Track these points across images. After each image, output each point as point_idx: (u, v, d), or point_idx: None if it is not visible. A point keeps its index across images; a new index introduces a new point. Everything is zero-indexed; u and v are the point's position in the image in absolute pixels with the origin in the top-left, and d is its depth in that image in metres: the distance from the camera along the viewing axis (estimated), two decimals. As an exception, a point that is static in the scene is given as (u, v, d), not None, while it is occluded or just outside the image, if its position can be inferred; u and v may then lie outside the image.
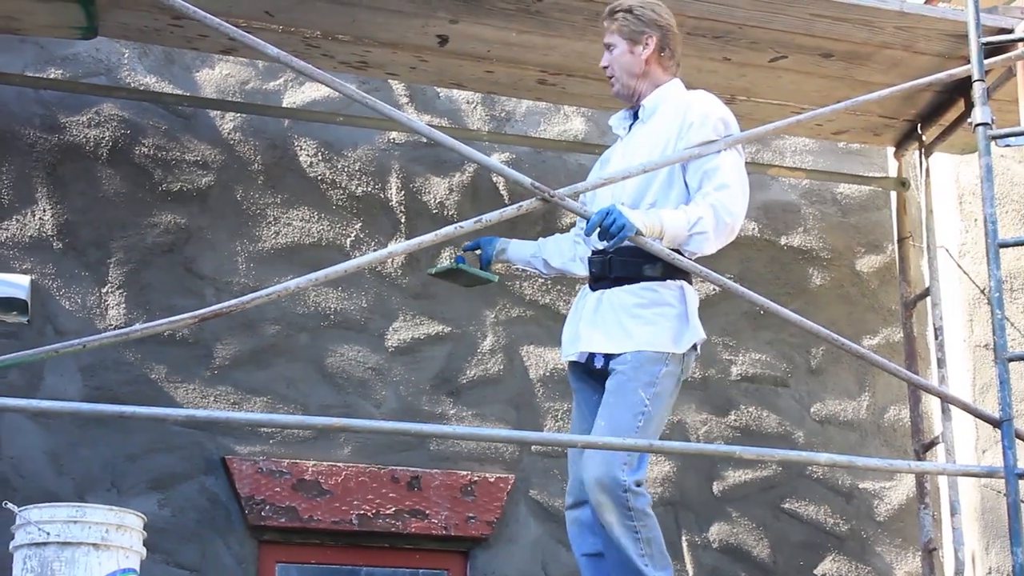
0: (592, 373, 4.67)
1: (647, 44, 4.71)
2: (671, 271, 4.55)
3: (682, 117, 4.63)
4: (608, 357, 4.58)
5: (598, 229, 4.42)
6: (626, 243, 4.46)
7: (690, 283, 4.62)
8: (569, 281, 6.20)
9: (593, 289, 4.69)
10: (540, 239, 5.03)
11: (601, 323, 4.61)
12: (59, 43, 5.85)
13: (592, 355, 4.62)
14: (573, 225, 5.01)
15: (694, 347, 4.62)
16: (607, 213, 4.40)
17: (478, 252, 4.99)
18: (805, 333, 4.72)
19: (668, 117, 4.67)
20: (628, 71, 4.74)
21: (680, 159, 4.56)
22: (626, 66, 4.73)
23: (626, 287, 4.58)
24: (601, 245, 4.54)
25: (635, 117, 4.81)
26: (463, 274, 4.95)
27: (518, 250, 5.02)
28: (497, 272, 5.11)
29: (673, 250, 4.51)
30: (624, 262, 4.57)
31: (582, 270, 4.90)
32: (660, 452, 5.94)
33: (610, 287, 4.61)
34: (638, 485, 4.50)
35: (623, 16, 4.73)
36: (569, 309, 6.08)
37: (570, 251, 4.95)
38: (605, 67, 4.79)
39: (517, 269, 6.12)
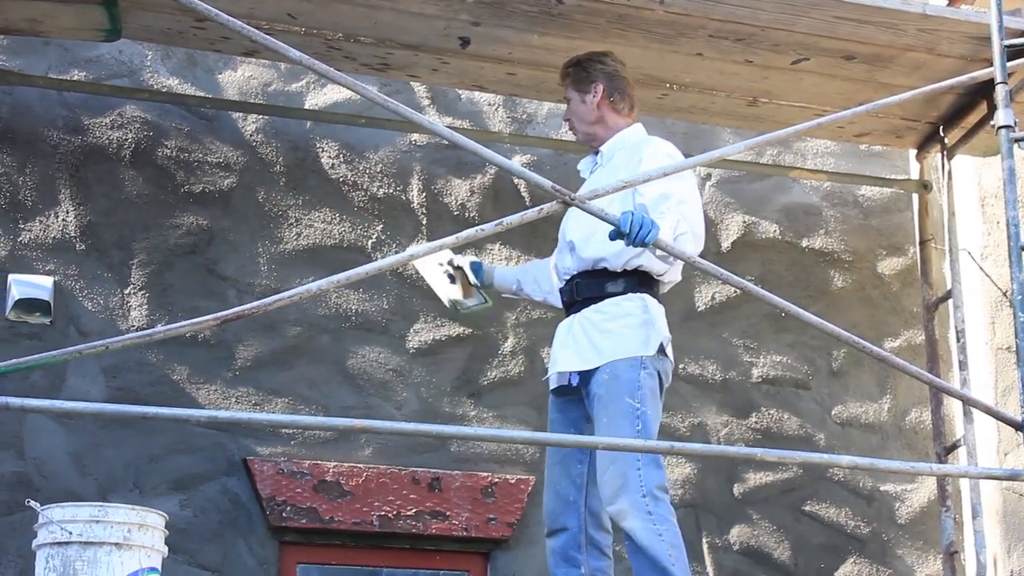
0: (571, 400, 4.85)
1: (595, 92, 5.01)
2: (633, 286, 4.79)
3: (633, 158, 4.85)
4: (582, 375, 4.77)
5: (633, 231, 4.50)
6: (597, 265, 4.79)
7: (653, 296, 4.83)
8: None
9: (567, 317, 4.92)
10: (521, 267, 5.33)
11: (573, 343, 4.82)
12: (82, 45, 5.87)
13: (569, 375, 4.82)
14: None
15: (665, 353, 4.79)
16: (632, 214, 4.49)
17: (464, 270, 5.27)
18: (826, 335, 4.72)
19: (624, 160, 4.88)
20: (583, 119, 5.03)
21: (670, 170, 4.62)
22: (581, 115, 5.04)
23: (593, 306, 4.81)
24: (617, 249, 4.69)
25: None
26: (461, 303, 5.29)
27: (503, 278, 5.30)
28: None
29: (633, 271, 4.78)
30: (589, 284, 4.84)
31: (559, 302, 5.10)
32: (681, 454, 5.96)
33: (580, 309, 4.84)
34: (659, 489, 4.60)
35: (573, 70, 5.08)
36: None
37: (548, 284, 5.15)
38: (567, 119, 5.11)
39: None
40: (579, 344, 4.78)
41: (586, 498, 4.82)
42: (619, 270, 4.78)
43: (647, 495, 4.57)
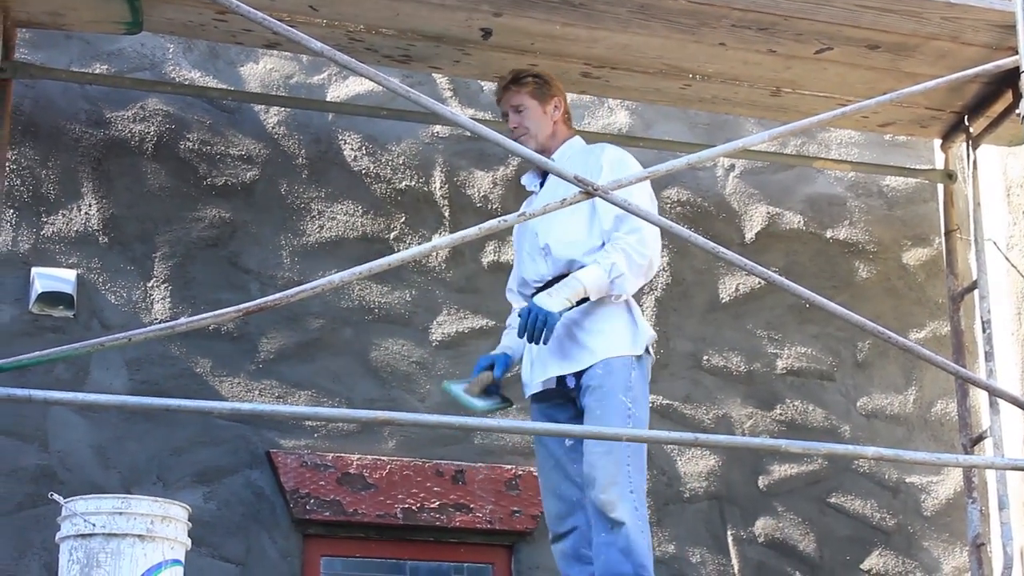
0: (557, 406, 4.91)
1: (557, 106, 5.10)
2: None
3: (589, 163, 4.91)
4: (577, 376, 4.84)
5: (528, 332, 4.70)
6: (566, 268, 4.84)
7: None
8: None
9: None
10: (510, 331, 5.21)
11: (558, 348, 4.86)
12: (104, 38, 5.87)
13: (562, 379, 4.87)
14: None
15: (647, 351, 4.88)
16: (528, 312, 4.69)
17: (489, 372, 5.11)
18: (851, 327, 4.71)
19: (576, 166, 4.87)
20: (542, 130, 5.08)
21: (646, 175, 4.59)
22: (540, 126, 5.08)
23: (574, 308, 4.82)
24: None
25: (544, 173, 5.07)
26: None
27: (518, 349, 5.18)
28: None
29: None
30: None
31: None
32: (705, 446, 5.94)
33: None
34: (642, 492, 4.73)
35: (533, 80, 5.13)
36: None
37: None
38: (515, 128, 5.08)
39: None
40: (564, 347, 4.85)
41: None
42: None
43: (634, 491, 4.67)
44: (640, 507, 4.68)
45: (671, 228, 4.49)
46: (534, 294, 4.89)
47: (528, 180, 5.20)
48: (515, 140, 4.97)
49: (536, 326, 4.66)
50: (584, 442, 4.76)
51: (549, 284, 4.88)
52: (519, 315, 4.76)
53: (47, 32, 5.73)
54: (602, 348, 4.80)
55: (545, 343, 4.71)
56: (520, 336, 4.74)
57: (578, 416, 4.88)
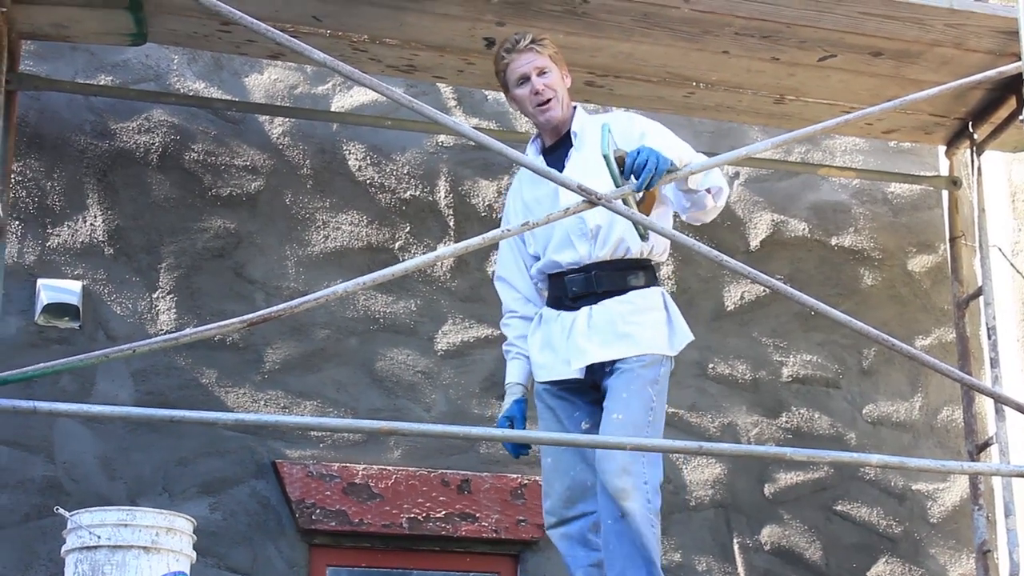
0: (579, 389, 4.75)
1: (566, 75, 4.82)
2: (652, 279, 4.77)
3: (628, 130, 4.69)
4: (611, 364, 4.68)
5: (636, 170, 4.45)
6: (611, 254, 4.68)
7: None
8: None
9: (574, 308, 4.74)
10: (513, 343, 4.93)
11: (597, 336, 4.69)
12: (109, 50, 5.88)
13: (599, 366, 4.68)
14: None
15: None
16: (638, 153, 4.45)
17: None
18: (857, 334, 4.69)
19: (596, 137, 4.65)
20: (565, 98, 4.79)
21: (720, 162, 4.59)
22: (563, 92, 4.79)
23: (615, 298, 4.71)
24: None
25: (549, 148, 4.83)
26: None
27: (526, 375, 4.92)
28: None
29: (648, 265, 4.76)
30: (610, 276, 4.72)
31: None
32: (710, 454, 5.94)
33: (597, 300, 4.72)
34: (658, 485, 4.62)
35: (552, 45, 4.81)
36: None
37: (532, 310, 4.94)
38: (542, 90, 4.73)
39: None
40: (605, 335, 4.66)
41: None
42: (640, 255, 4.72)
43: (648, 483, 4.57)
44: (653, 499, 4.56)
45: (675, 237, 4.49)
46: (567, 274, 4.73)
47: (532, 150, 4.88)
48: (540, 105, 4.73)
49: (647, 166, 4.40)
50: (602, 424, 4.63)
51: (591, 269, 4.70)
52: (628, 156, 4.43)
53: (52, 44, 5.74)
54: (643, 341, 4.64)
55: (648, 188, 4.43)
56: (628, 175, 4.42)
57: (597, 401, 4.72)
